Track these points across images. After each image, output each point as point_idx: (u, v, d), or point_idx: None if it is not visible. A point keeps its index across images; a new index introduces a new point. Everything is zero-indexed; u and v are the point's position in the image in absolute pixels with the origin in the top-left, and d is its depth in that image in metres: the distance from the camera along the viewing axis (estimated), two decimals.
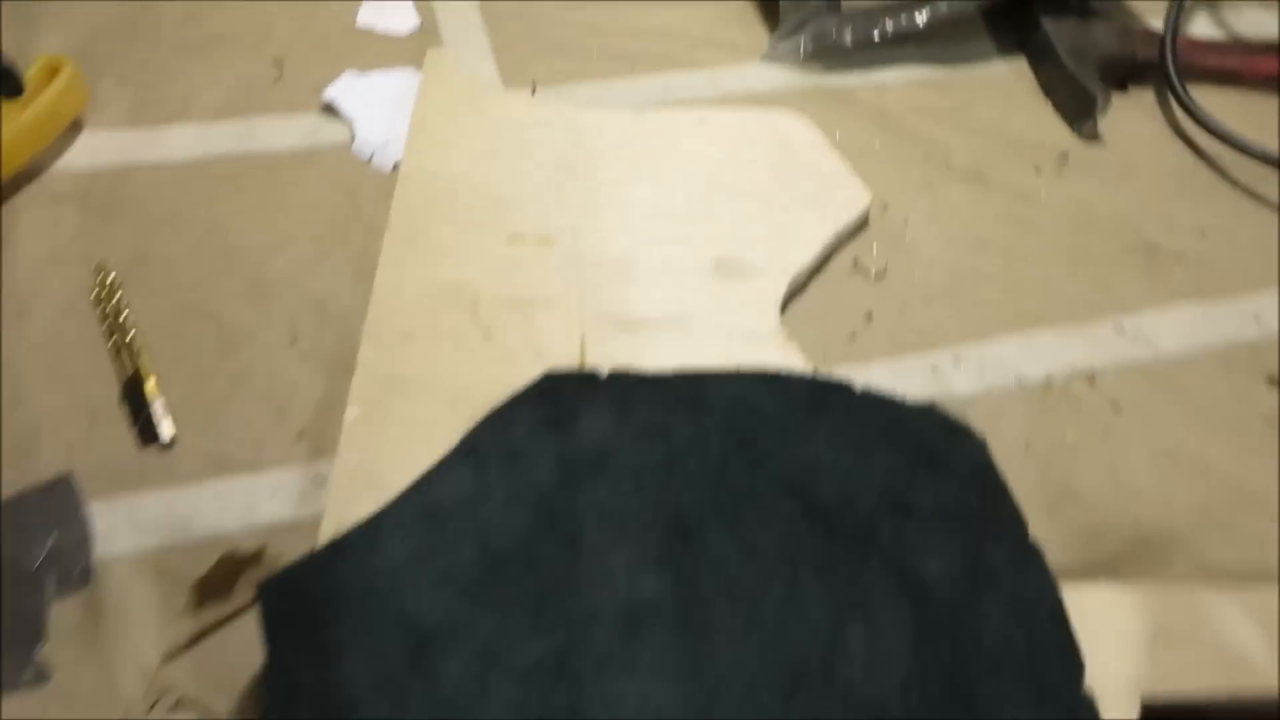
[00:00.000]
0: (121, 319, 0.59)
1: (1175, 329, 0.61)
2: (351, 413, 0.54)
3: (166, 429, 0.55)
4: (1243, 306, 0.62)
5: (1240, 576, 0.52)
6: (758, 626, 0.48)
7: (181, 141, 0.69)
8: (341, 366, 0.58)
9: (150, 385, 0.56)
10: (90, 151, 0.68)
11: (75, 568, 0.51)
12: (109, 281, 0.60)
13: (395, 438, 0.54)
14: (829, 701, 0.46)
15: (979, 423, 0.55)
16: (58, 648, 0.49)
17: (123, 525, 0.52)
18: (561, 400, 0.55)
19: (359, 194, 0.65)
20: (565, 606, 0.49)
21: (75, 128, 0.68)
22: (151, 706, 0.48)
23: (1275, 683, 0.48)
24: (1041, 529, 0.51)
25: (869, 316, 0.61)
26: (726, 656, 0.48)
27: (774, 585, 0.49)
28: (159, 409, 0.55)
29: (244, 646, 0.49)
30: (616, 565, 0.50)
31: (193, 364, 0.58)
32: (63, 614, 0.50)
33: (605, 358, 0.56)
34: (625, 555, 0.50)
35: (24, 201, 0.65)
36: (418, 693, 0.46)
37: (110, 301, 0.59)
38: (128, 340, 0.58)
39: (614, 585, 0.49)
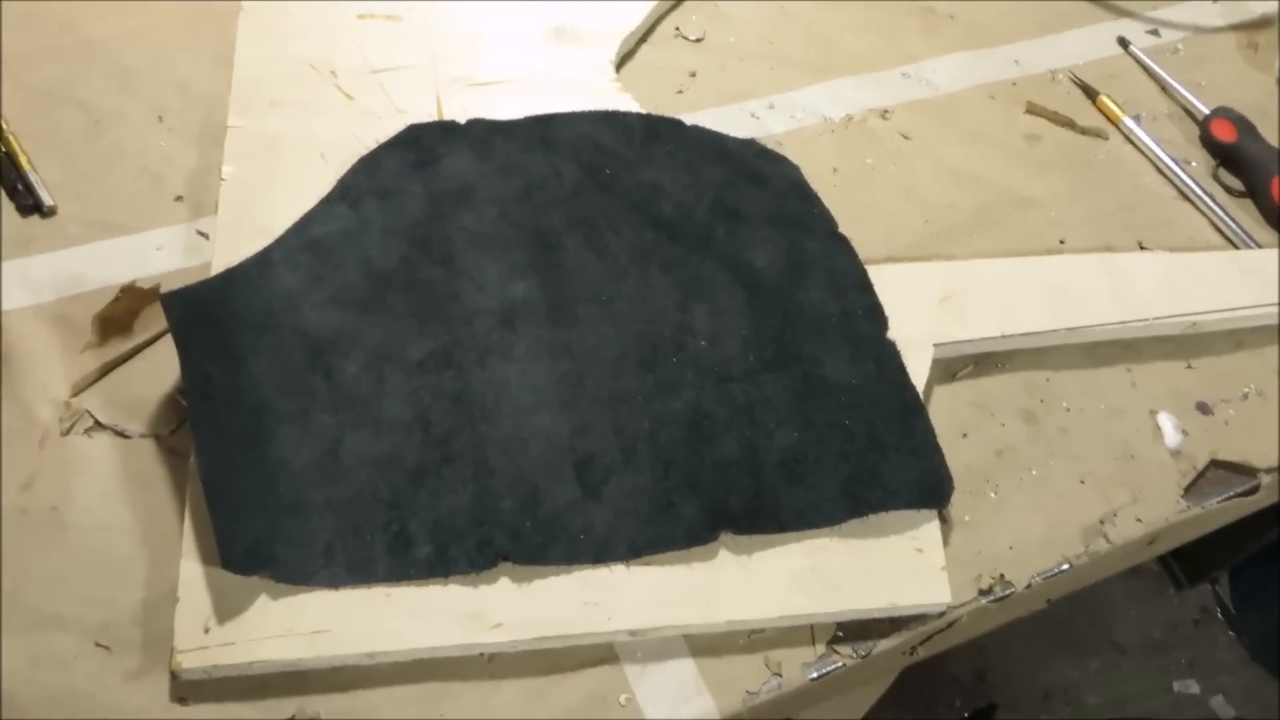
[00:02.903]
0: None
1: (950, 72, 0.72)
2: (228, 169, 0.58)
3: (46, 198, 0.58)
4: (1005, 52, 0.73)
5: (1008, 256, 0.63)
6: (616, 314, 0.56)
7: None
8: (211, 140, 0.61)
9: (24, 161, 0.59)
10: None
11: None
12: None
13: (272, 189, 0.58)
14: (682, 368, 0.55)
15: (793, 154, 0.64)
16: None
17: (16, 285, 0.56)
18: (425, 146, 0.60)
19: None
20: (447, 312, 0.55)
21: None
22: (67, 431, 0.52)
23: (1047, 325, 0.58)
24: (850, 233, 0.60)
25: (693, 74, 0.69)
26: (592, 340, 0.55)
27: (628, 281, 0.57)
28: (36, 181, 0.58)
29: (150, 377, 0.54)
30: (489, 277, 0.56)
31: (63, 145, 0.61)
32: None
33: (460, 113, 0.62)
34: (496, 268, 0.57)
35: None
36: (320, 390, 0.52)
37: None
38: None
39: (488, 292, 0.56)
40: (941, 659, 0.59)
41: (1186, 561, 1.38)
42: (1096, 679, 1.32)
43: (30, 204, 0.58)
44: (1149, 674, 1.33)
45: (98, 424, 0.52)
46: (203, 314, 0.51)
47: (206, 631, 0.46)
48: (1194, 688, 1.33)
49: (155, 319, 0.54)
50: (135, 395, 0.53)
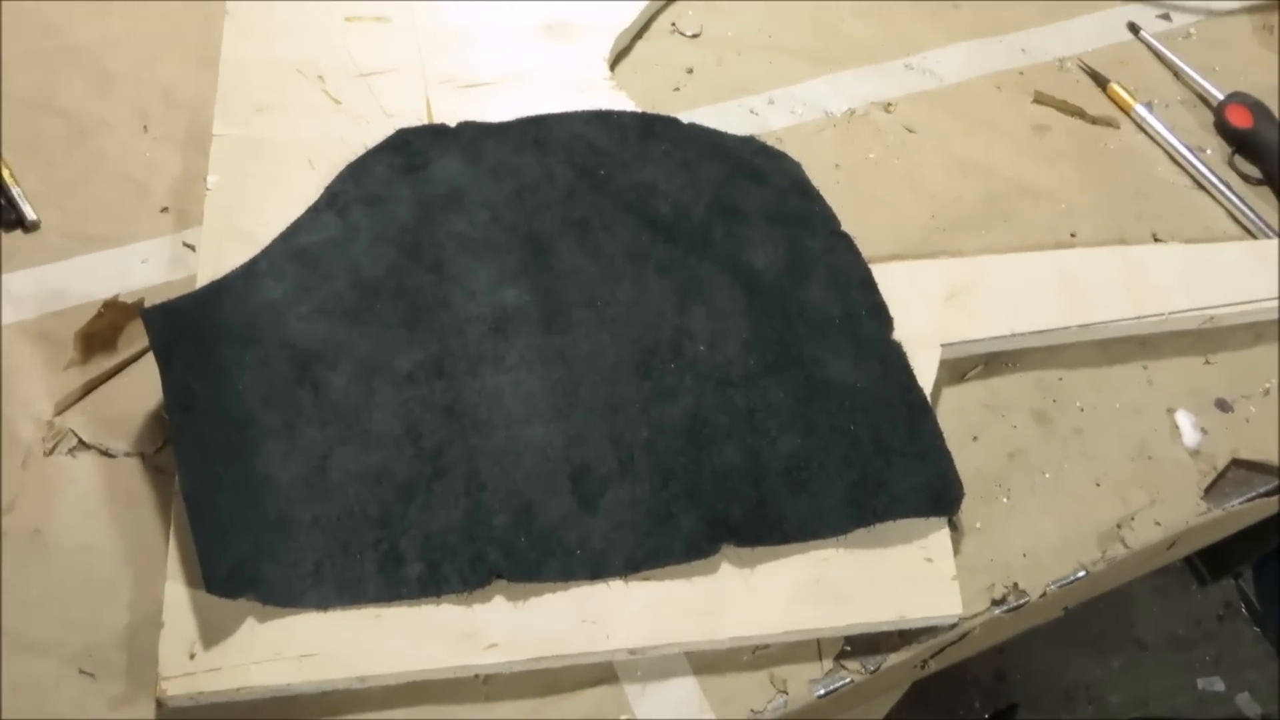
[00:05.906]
0: None
1: (955, 62, 0.69)
2: (213, 178, 0.57)
3: (29, 212, 0.56)
4: (1011, 40, 0.71)
5: (1018, 250, 0.61)
6: (612, 319, 0.54)
7: None
8: (196, 147, 0.60)
9: (6, 174, 0.57)
10: None
11: None
12: None
13: (258, 197, 0.57)
14: (680, 373, 0.53)
15: (794, 151, 0.62)
16: None
17: None
18: (415, 150, 0.58)
19: None
20: (438, 321, 0.53)
21: None
22: (51, 450, 0.50)
23: (1058, 322, 0.56)
24: (854, 229, 0.58)
25: (690, 70, 0.67)
26: (586, 346, 0.53)
27: (623, 284, 0.55)
28: (18, 195, 0.57)
29: (134, 394, 0.53)
30: (480, 283, 0.55)
31: (45, 155, 0.59)
32: None
33: (450, 116, 0.60)
34: (487, 274, 0.55)
35: None
36: (307, 403, 0.50)
37: None
38: None
39: (479, 299, 0.54)
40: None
41: (1209, 556, 1.35)
42: (1119, 677, 1.30)
43: (13, 219, 0.56)
44: (1172, 671, 1.31)
45: (81, 443, 0.51)
46: (185, 327, 0.50)
47: (192, 657, 0.44)
48: (1219, 685, 1.30)
49: (139, 334, 0.53)
50: (119, 413, 0.52)
